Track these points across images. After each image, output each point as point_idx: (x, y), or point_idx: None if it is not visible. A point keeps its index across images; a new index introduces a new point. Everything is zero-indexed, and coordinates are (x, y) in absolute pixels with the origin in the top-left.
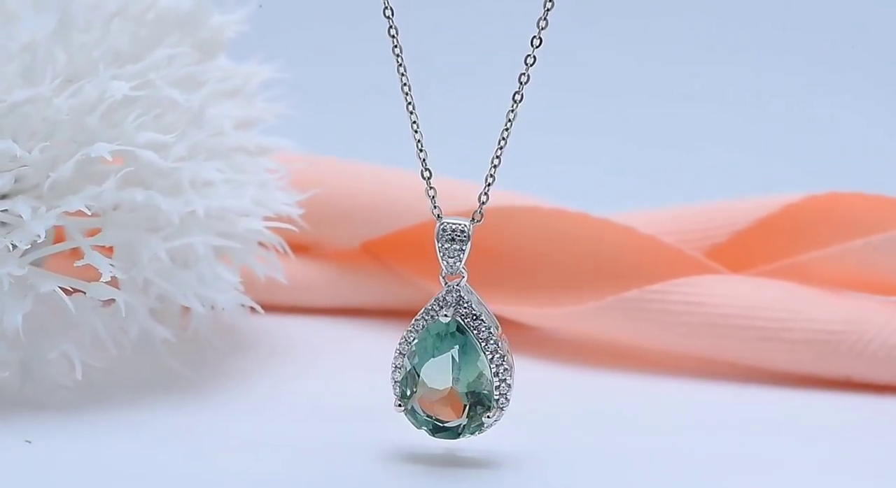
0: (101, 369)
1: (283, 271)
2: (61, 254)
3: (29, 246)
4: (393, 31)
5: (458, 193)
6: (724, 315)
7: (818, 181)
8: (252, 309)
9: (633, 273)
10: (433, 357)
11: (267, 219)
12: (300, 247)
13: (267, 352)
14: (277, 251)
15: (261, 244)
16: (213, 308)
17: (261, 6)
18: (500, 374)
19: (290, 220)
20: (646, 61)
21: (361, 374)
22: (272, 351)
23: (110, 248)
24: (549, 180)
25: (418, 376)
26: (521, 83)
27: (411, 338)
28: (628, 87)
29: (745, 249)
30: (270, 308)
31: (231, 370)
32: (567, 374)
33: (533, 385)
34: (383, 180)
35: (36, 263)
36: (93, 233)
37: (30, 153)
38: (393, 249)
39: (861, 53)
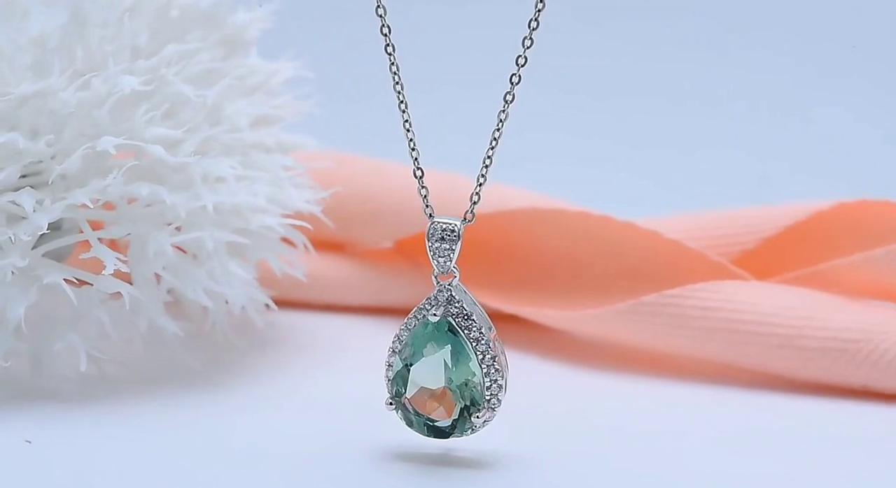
0: (116, 362)
1: (303, 268)
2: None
3: (30, 237)
4: (385, 30)
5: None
6: (741, 321)
7: (823, 184)
8: (266, 305)
9: (656, 277)
10: (423, 356)
11: (286, 216)
12: (334, 246)
13: (291, 349)
14: (297, 247)
15: (285, 241)
16: (227, 304)
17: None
18: (490, 375)
19: (307, 218)
20: (649, 63)
21: (382, 372)
22: (297, 348)
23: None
24: (561, 182)
25: (408, 375)
26: (512, 84)
27: (403, 337)
28: (634, 88)
29: (775, 256)
30: (303, 305)
31: (250, 366)
32: (583, 377)
33: (546, 386)
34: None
35: (55, 256)
36: (102, 225)
37: (36, 146)
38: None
39: (863, 54)
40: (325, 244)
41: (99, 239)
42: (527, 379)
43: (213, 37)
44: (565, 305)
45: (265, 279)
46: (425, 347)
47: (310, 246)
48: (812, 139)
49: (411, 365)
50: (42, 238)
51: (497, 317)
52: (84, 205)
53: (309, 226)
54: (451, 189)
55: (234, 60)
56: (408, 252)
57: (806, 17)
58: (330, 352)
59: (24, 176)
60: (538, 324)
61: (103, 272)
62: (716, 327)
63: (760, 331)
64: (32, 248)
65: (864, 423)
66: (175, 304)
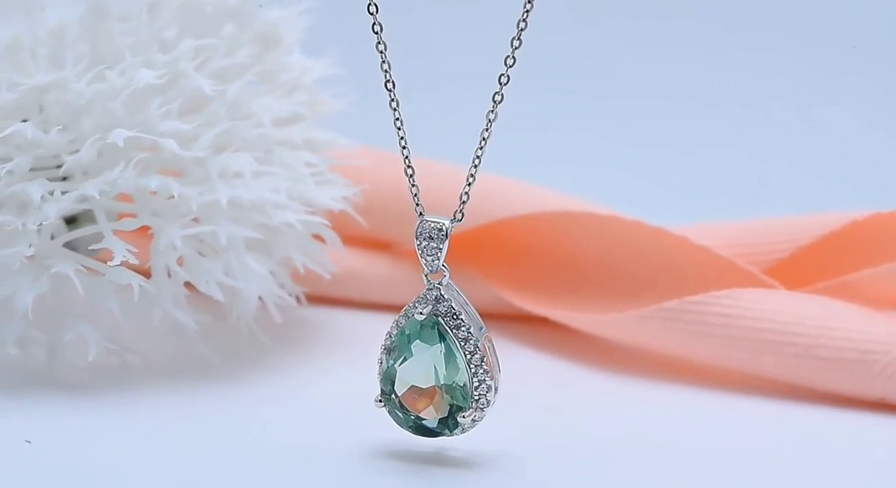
0: (136, 353)
1: (331, 265)
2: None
3: (35, 226)
4: (377, 28)
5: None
6: (760, 329)
7: (823, 184)
8: (297, 300)
9: (684, 283)
10: (411, 354)
11: (320, 213)
12: (378, 244)
13: (318, 346)
14: (326, 244)
15: (317, 237)
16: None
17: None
18: (478, 375)
19: (337, 215)
20: (649, 63)
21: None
22: (324, 344)
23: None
24: (562, 181)
25: (397, 373)
26: (500, 84)
27: (394, 335)
28: (634, 88)
29: (808, 265)
30: (344, 303)
31: (271, 361)
32: (603, 380)
33: (563, 388)
34: (454, 178)
35: (85, 246)
36: (122, 216)
37: (47, 136)
38: (465, 249)
39: (863, 54)
40: (368, 242)
41: (114, 231)
42: (545, 380)
43: (248, 33)
44: (598, 309)
45: (303, 276)
46: (414, 346)
47: (338, 243)
48: (812, 139)
49: (395, 363)
50: (69, 228)
51: (529, 318)
52: (123, 197)
53: (327, 222)
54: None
55: (269, 57)
56: (449, 253)
57: (806, 17)
58: (358, 349)
59: (57, 167)
60: (569, 327)
61: (110, 263)
62: (736, 335)
63: (779, 339)
64: (54, 238)
65: (880, 437)
66: (209, 298)
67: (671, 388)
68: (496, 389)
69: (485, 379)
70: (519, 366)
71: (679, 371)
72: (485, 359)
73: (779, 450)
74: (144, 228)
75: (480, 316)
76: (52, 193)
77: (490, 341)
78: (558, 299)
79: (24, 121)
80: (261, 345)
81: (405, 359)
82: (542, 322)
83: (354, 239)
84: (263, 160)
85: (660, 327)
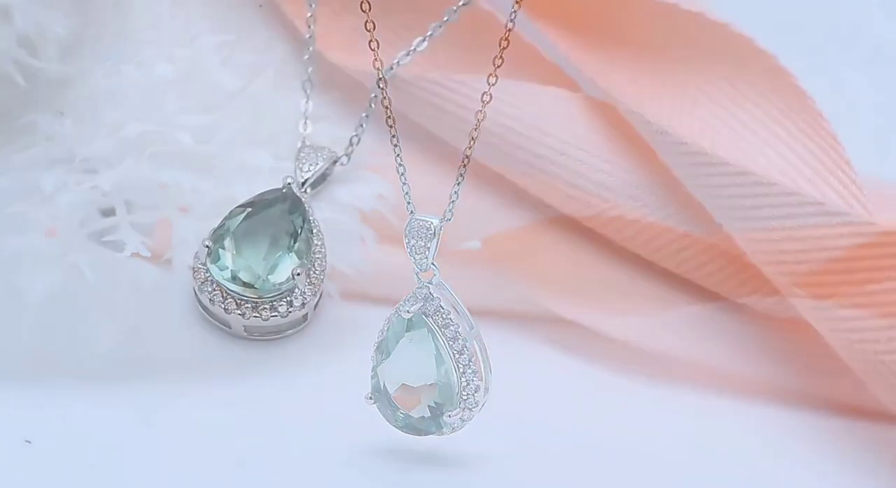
0: (158, 344)
1: (359, 263)
2: None
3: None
4: (370, 26)
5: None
6: (776, 338)
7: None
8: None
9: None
10: (400, 353)
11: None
12: None
13: (341, 343)
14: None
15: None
16: None
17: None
18: (466, 375)
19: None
20: None
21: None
22: (348, 341)
23: None
24: None
25: (387, 371)
26: (489, 84)
27: (385, 333)
28: None
29: (839, 275)
30: (388, 302)
31: (290, 358)
32: (615, 381)
33: (573, 388)
34: (489, 178)
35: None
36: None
37: (62, 128)
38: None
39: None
40: None
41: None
42: (556, 380)
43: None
44: (623, 309)
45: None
46: (403, 344)
47: (370, 241)
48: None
49: (383, 361)
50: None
51: (552, 320)
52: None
53: (348, 220)
54: None
55: (300, 55)
56: (490, 254)
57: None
58: None
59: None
60: (590, 329)
61: (123, 254)
62: (749, 340)
63: (795, 348)
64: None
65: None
66: None
67: (684, 392)
68: (486, 389)
69: (472, 379)
70: (533, 366)
71: (694, 375)
72: (473, 359)
73: (788, 457)
74: None
75: (471, 314)
76: (65, 184)
77: (481, 341)
78: (578, 298)
79: (60, 113)
80: (283, 342)
81: (395, 357)
82: (565, 323)
83: (397, 237)
84: (285, 156)
85: (680, 332)
